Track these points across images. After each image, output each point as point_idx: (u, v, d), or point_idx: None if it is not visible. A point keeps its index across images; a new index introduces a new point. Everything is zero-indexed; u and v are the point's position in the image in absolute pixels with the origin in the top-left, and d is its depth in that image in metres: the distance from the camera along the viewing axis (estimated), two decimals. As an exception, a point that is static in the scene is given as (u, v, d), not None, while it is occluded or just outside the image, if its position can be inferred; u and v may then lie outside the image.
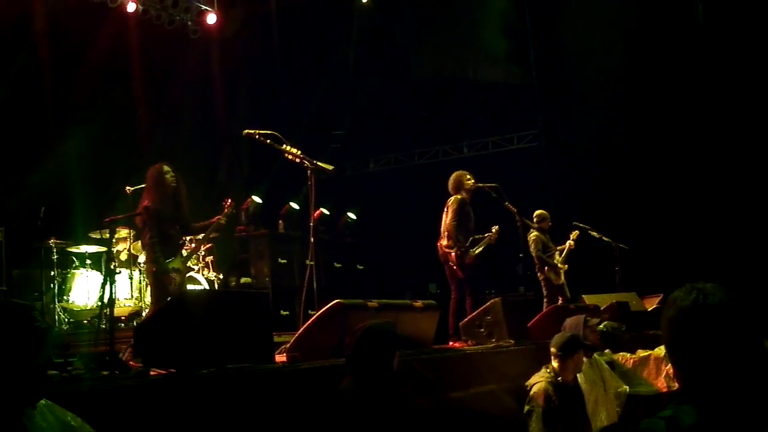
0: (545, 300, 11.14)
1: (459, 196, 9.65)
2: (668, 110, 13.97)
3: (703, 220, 13.10)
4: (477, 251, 9.64)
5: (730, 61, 13.25)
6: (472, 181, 9.81)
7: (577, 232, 11.59)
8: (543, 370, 6.14)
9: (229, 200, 8.48)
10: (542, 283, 11.38)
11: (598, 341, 7.05)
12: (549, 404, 5.83)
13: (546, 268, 11.31)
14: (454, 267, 9.45)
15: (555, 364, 6.10)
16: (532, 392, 5.98)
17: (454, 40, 16.00)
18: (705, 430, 2.26)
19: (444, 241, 9.57)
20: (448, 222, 9.55)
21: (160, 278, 7.42)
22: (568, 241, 11.54)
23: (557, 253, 11.51)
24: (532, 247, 11.27)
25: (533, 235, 11.34)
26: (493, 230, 9.88)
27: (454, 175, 9.90)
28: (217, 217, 8.34)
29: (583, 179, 14.95)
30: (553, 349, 6.17)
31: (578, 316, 7.02)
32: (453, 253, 9.44)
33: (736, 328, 2.34)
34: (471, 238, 9.66)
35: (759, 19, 12.82)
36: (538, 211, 11.59)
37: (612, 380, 6.98)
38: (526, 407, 5.94)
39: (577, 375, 6.52)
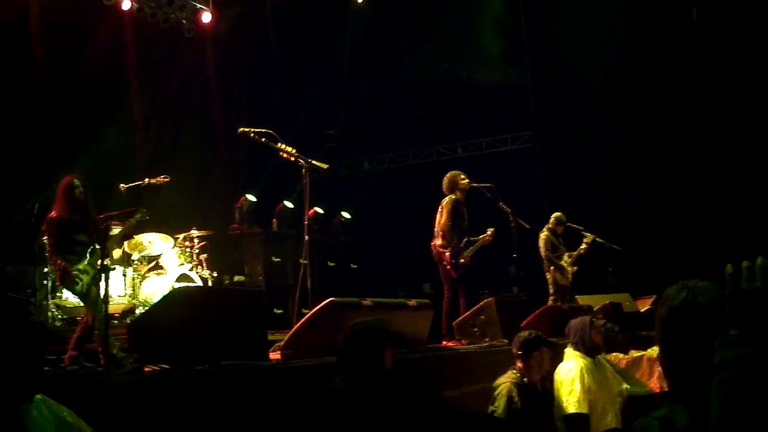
0: (550, 298, 11.21)
1: (453, 197, 9.61)
2: (662, 112, 14.01)
3: (697, 220, 13.13)
4: (471, 252, 9.63)
5: (725, 64, 13.27)
6: (467, 180, 9.77)
7: (592, 236, 11.61)
8: (510, 371, 6.14)
9: (142, 208, 8.58)
10: (549, 282, 11.46)
11: (602, 343, 7.07)
12: (511, 406, 5.83)
13: (552, 267, 11.39)
14: (448, 267, 9.43)
15: (519, 364, 6.11)
16: (496, 393, 5.98)
17: (449, 40, 16.01)
18: (699, 429, 2.27)
19: (438, 241, 9.55)
20: (442, 222, 9.51)
21: (64, 280, 7.62)
22: (582, 245, 11.58)
23: (566, 255, 11.58)
24: (541, 246, 11.40)
25: (544, 234, 11.46)
26: (489, 232, 9.87)
27: (448, 175, 9.84)
28: (126, 223, 8.49)
29: (577, 180, 14.99)
30: (513, 350, 6.19)
31: (584, 318, 7.03)
32: (447, 253, 9.43)
33: (727, 327, 2.34)
34: (465, 239, 9.64)
35: (753, 21, 12.86)
36: (556, 214, 11.74)
37: (614, 379, 7.00)
38: (490, 408, 5.94)
39: (583, 375, 6.55)
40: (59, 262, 7.58)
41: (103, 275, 6.55)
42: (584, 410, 6.42)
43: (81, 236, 7.78)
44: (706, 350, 2.31)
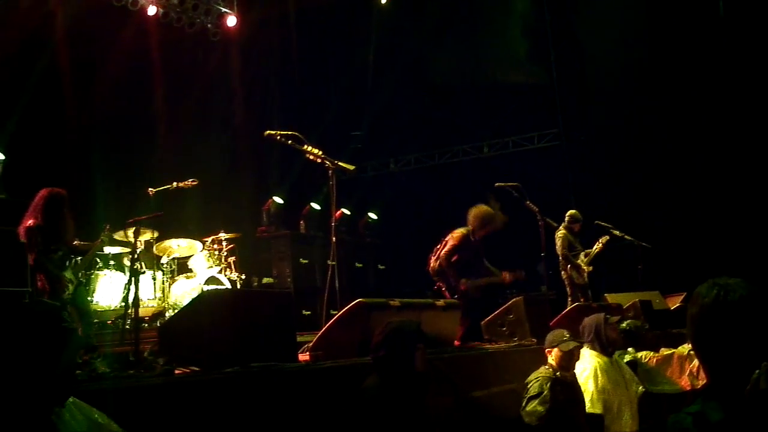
0: (569, 299, 11.11)
1: (465, 232, 9.13)
2: (689, 107, 13.88)
3: (727, 216, 13.01)
4: (478, 283, 9.07)
5: (751, 58, 13.15)
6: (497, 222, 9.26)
7: (607, 237, 11.51)
8: (542, 367, 6.23)
9: (108, 225, 8.66)
10: (566, 282, 11.36)
11: (619, 339, 7.05)
12: (540, 394, 5.92)
13: (569, 266, 11.31)
14: (443, 289, 9.12)
15: (550, 360, 6.23)
16: (529, 386, 6.06)
17: (474, 40, 15.98)
18: (732, 426, 2.26)
19: (433, 263, 9.28)
20: (444, 253, 9.06)
21: (54, 285, 7.78)
22: (597, 245, 11.49)
23: (582, 254, 11.49)
24: (558, 245, 11.28)
25: (560, 233, 11.35)
26: (517, 274, 9.35)
27: (485, 212, 9.22)
28: (98, 241, 8.66)
29: (604, 178, 14.87)
30: (546, 347, 6.32)
31: (598, 314, 7.02)
32: (440, 281, 9.16)
33: (758, 324, 2.33)
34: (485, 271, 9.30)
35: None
36: (571, 211, 11.57)
37: (632, 380, 6.96)
38: (523, 401, 6.01)
39: (597, 374, 6.54)
40: (43, 272, 7.75)
41: (133, 279, 6.61)
42: (598, 410, 6.42)
43: (60, 246, 7.96)
44: (738, 347, 2.31)
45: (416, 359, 4.61)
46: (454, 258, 9.01)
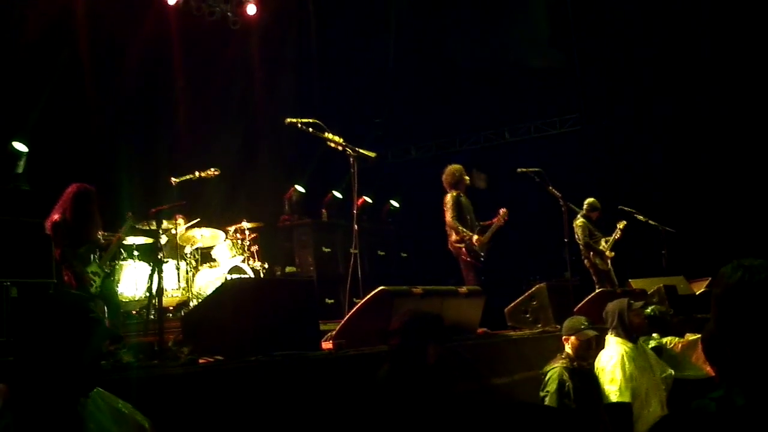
0: (596, 286, 11.07)
1: (454, 193, 9.67)
2: (711, 91, 13.74)
3: (752, 201, 12.89)
4: (487, 237, 9.58)
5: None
6: (468, 178, 9.86)
7: (624, 222, 11.49)
8: (558, 356, 6.18)
9: (130, 213, 8.69)
10: (591, 270, 11.35)
11: (644, 325, 7.00)
12: (562, 390, 5.85)
13: (592, 253, 11.28)
14: (468, 259, 9.47)
15: (567, 349, 6.18)
16: (546, 378, 6.00)
17: (495, 24, 15.89)
18: (757, 410, 2.23)
19: (453, 237, 9.59)
20: (448, 219, 9.57)
21: (81, 280, 7.85)
22: (616, 231, 11.45)
23: (603, 240, 11.45)
24: (578, 233, 11.25)
25: (579, 221, 11.31)
26: (501, 212, 9.80)
27: (451, 170, 9.89)
28: (117, 235, 8.74)
29: (627, 162, 14.79)
30: (563, 334, 6.27)
31: (621, 300, 6.95)
32: (462, 247, 9.47)
33: None
34: (478, 227, 9.68)
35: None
36: (589, 199, 11.57)
37: (658, 365, 6.90)
38: (541, 393, 5.96)
39: (624, 362, 6.49)
40: (67, 266, 7.78)
41: (156, 269, 6.63)
42: (626, 399, 6.35)
43: (84, 241, 8.03)
44: (763, 329, 2.28)
45: (429, 353, 4.55)
46: (460, 215, 9.56)
